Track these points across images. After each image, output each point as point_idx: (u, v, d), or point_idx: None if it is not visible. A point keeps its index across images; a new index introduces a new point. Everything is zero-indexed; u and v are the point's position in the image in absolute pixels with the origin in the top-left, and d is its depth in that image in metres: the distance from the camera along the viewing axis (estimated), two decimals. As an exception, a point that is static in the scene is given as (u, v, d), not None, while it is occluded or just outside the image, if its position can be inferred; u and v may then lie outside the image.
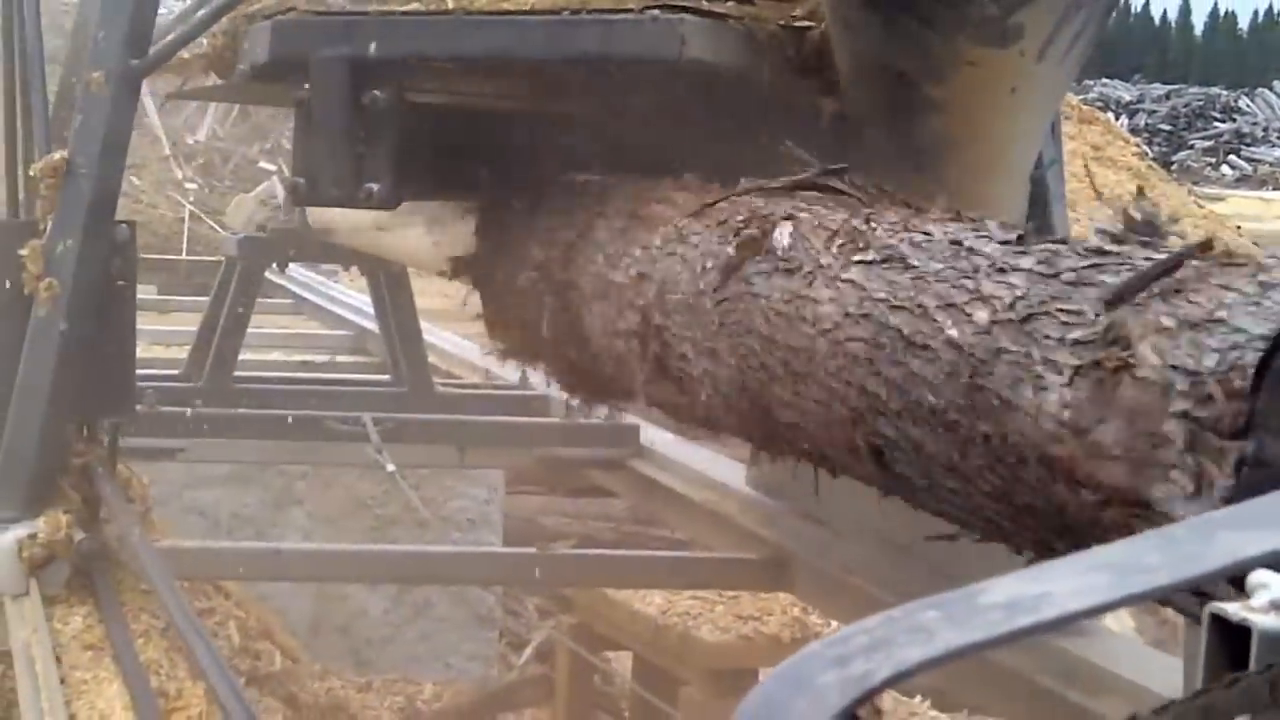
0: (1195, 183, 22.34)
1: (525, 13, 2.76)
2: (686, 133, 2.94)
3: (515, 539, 6.34)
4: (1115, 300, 1.61)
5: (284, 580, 5.24)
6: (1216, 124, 30.07)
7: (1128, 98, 32.09)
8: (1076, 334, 1.64)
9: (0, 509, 3.29)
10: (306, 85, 2.87)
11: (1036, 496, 1.75)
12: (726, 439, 4.05)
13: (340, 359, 6.57)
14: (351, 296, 7.27)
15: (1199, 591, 1.53)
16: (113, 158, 3.21)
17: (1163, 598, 1.25)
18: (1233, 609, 1.22)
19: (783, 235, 2.18)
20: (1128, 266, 1.65)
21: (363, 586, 6.20)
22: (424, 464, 5.34)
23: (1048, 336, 1.69)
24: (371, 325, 6.42)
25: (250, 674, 4.99)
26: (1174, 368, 1.53)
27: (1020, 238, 1.85)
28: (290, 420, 4.77)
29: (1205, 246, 1.61)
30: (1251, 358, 1.49)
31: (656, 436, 4.91)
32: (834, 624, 4.91)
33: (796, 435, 2.23)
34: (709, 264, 2.34)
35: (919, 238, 1.98)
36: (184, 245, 10.72)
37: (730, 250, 2.27)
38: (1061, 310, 1.68)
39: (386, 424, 4.77)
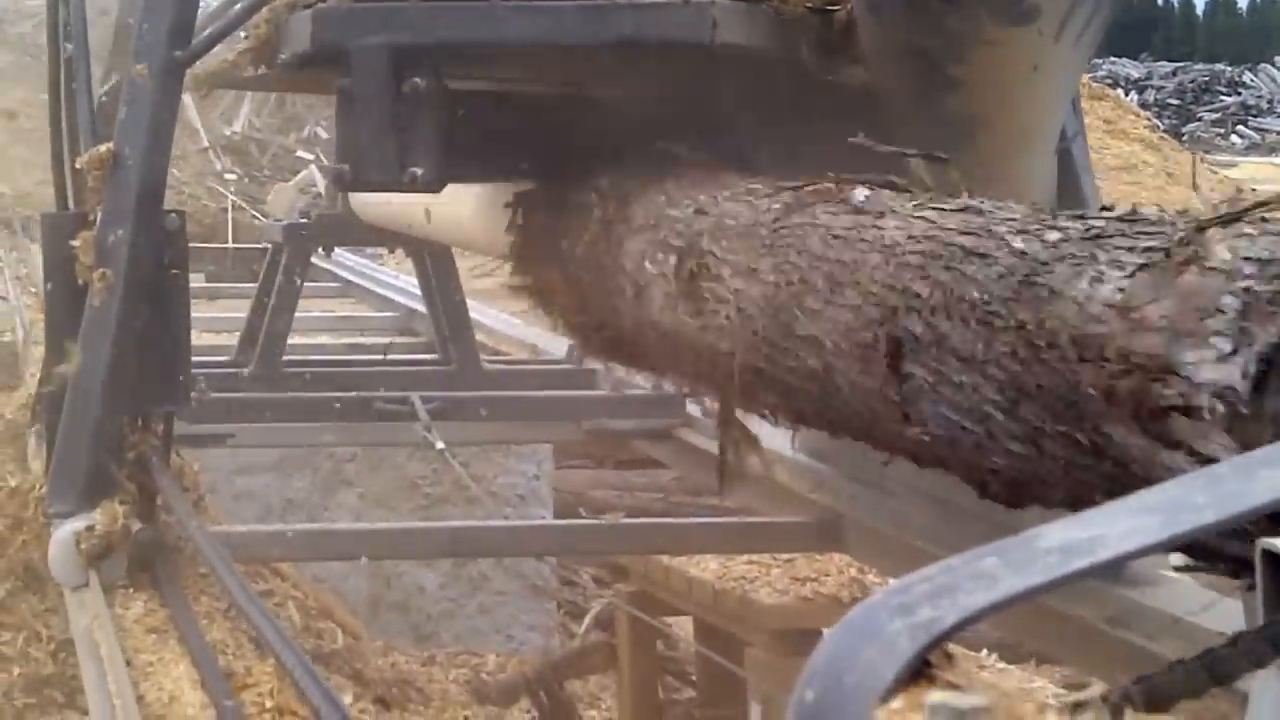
0: (1206, 151, 22.40)
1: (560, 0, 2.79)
2: (718, 114, 2.97)
3: (564, 513, 6.38)
4: (1203, 226, 1.67)
5: (344, 559, 5.28)
6: (1223, 98, 30.09)
7: (1136, 75, 32.12)
8: (1150, 243, 1.72)
9: (57, 502, 3.29)
10: (348, 73, 2.91)
11: (1051, 377, 1.81)
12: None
13: (388, 340, 6.60)
14: (398, 278, 7.30)
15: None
16: (158, 148, 3.23)
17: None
18: None
19: (859, 193, 2.26)
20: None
21: (417, 564, 6.24)
22: (474, 441, 5.37)
23: (1118, 246, 1.77)
24: (418, 306, 6.46)
25: (314, 652, 5.03)
26: (1246, 258, 1.59)
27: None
28: (340, 402, 4.80)
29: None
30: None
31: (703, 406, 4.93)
32: (891, 581, 4.91)
33: (808, 349, 2.28)
34: (773, 205, 2.41)
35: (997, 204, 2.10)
36: (229, 234, 10.81)
37: (802, 195, 2.36)
38: (1140, 231, 1.76)
39: (436, 402, 4.81)
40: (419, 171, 2.90)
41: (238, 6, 3.20)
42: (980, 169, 2.60)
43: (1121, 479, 1.75)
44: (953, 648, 1.21)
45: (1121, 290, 1.72)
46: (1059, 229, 1.93)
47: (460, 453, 5.60)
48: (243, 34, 3.31)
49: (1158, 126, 16.07)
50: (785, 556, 5.10)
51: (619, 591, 5.84)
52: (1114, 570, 1.31)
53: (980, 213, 2.08)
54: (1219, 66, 32.45)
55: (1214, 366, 1.59)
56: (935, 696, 1.10)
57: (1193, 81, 31.13)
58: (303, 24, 2.99)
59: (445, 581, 6.47)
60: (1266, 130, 28.13)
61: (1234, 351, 1.57)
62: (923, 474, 3.47)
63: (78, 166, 3.29)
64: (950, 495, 3.40)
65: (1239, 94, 30.13)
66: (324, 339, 6.38)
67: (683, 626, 5.68)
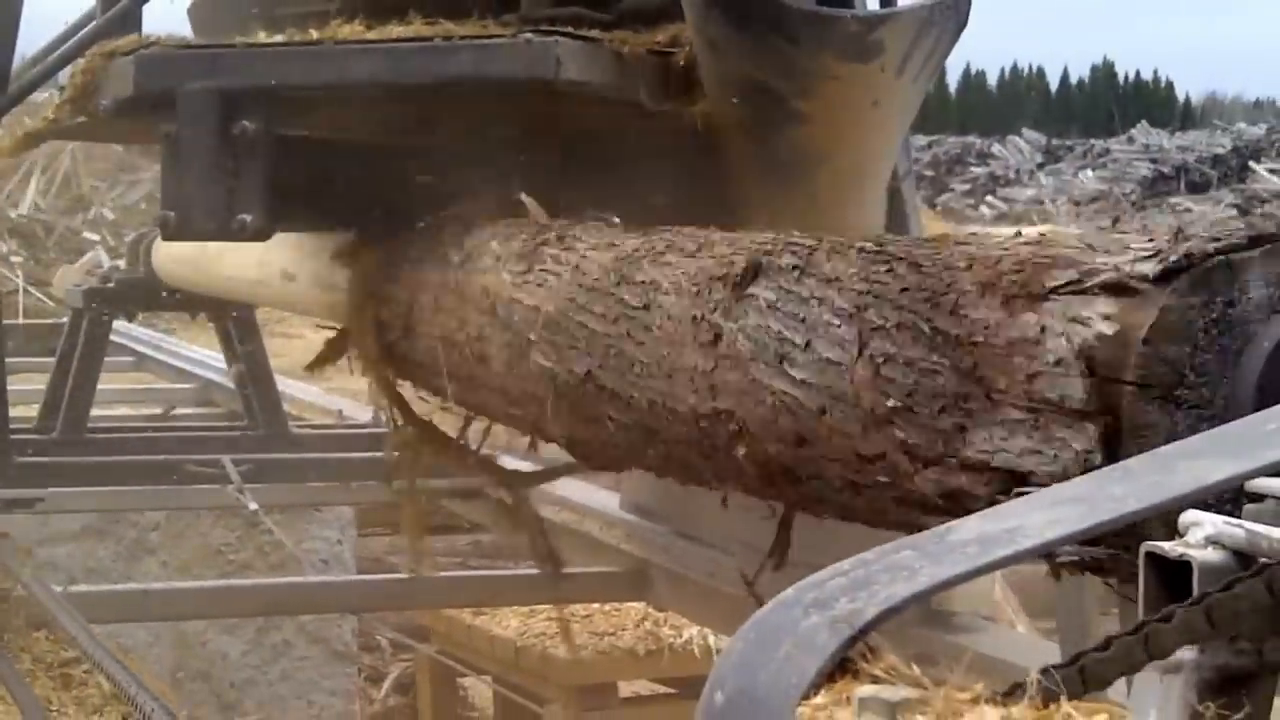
0: (959, 222, 23.04)
1: (396, 41, 2.68)
2: (557, 156, 2.88)
3: (366, 578, 6.19)
4: None
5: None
6: (973, 169, 30.95)
7: (892, 148, 32.98)
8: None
9: None
10: (174, 119, 2.75)
11: (925, 281, 1.67)
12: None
13: (187, 410, 6.37)
14: (192, 350, 7.10)
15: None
16: (-25, 204, 3.03)
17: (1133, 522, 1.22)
18: (1169, 547, 1.20)
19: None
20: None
21: (221, 632, 6.01)
22: (285, 503, 5.18)
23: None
24: (215, 376, 6.25)
25: (123, 720, 4.81)
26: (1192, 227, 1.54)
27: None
28: (150, 466, 4.60)
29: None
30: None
31: (512, 465, 4.82)
32: (690, 633, 4.88)
33: (638, 291, 2.13)
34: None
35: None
36: (20, 314, 10.39)
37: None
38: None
39: (246, 466, 4.62)
40: (248, 219, 2.76)
41: (55, 54, 3.01)
42: (816, 205, 2.56)
43: (944, 368, 1.61)
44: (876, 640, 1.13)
45: (1045, 235, 1.65)
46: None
47: (265, 519, 5.41)
48: (59, 87, 3.12)
49: (914, 198, 16.55)
50: (584, 612, 5.04)
51: (420, 653, 5.70)
52: (1035, 558, 1.23)
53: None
54: (970, 139, 33.33)
55: (1127, 261, 1.50)
56: (865, 689, 1.03)
57: (946, 154, 31.95)
58: (125, 70, 2.83)
59: (248, 649, 6.23)
60: (1013, 200, 28.99)
61: (1155, 255, 1.49)
62: (744, 528, 3.39)
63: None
64: (743, 536, 3.34)
65: (988, 164, 31.03)
66: (123, 410, 6.11)
67: (485, 686, 5.57)
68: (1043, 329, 1.51)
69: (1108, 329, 1.46)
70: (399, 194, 2.93)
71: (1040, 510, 1.21)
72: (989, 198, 29.75)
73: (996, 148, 32.10)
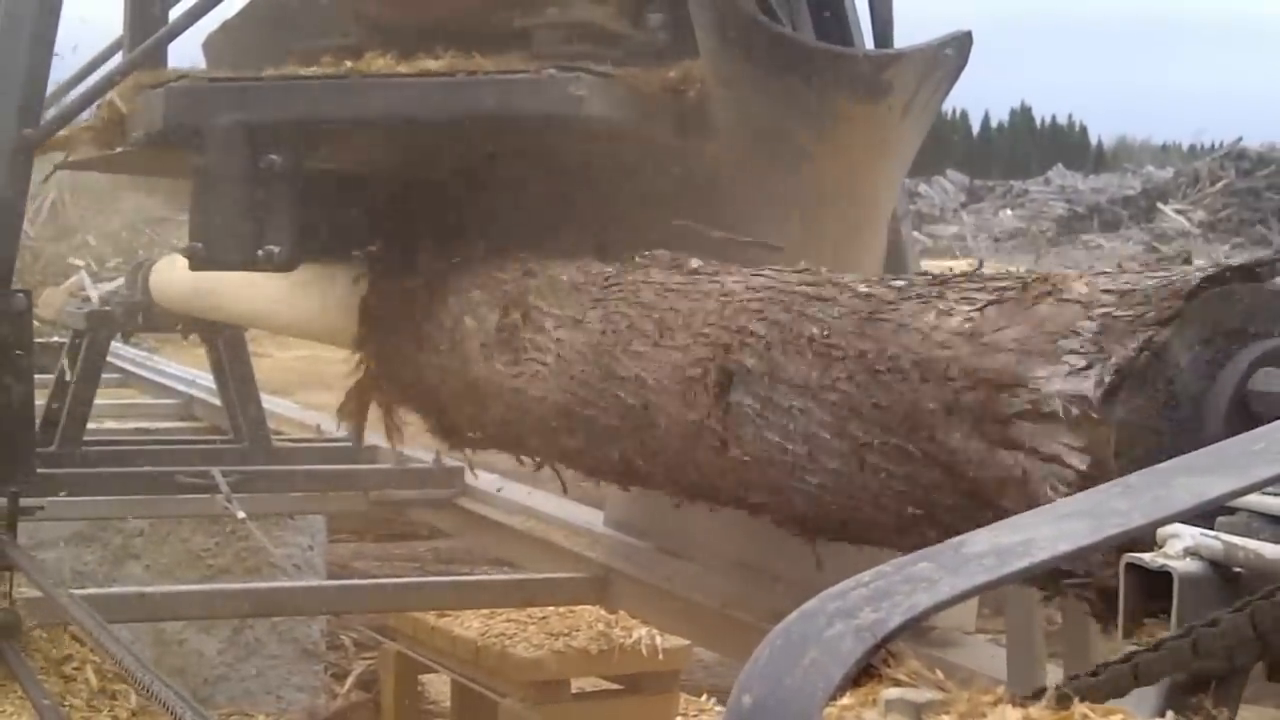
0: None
1: (421, 75, 2.62)
2: (574, 189, 2.82)
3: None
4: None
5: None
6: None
7: (824, 189, 32.87)
8: (1003, 283, 1.67)
9: None
10: (203, 152, 2.70)
11: (890, 396, 1.72)
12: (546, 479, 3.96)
13: (171, 424, 6.30)
14: (175, 368, 7.03)
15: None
16: (7, 226, 2.98)
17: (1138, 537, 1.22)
18: (1150, 558, 1.21)
19: (694, 261, 2.15)
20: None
21: (199, 631, 5.95)
22: (269, 512, 5.14)
23: (967, 285, 1.72)
24: (198, 392, 6.19)
25: (110, 715, 4.74)
26: (1106, 291, 1.56)
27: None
28: (143, 477, 4.55)
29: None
30: (1191, 278, 1.54)
31: (480, 477, 4.81)
32: (639, 633, 4.87)
33: (632, 389, 2.14)
34: (605, 269, 2.30)
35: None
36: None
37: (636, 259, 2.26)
38: (990, 278, 1.71)
39: (233, 476, 4.59)
40: (275, 249, 2.71)
41: (86, 83, 2.96)
42: (822, 245, 2.50)
43: (946, 486, 1.67)
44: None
45: (969, 322, 1.67)
46: (904, 279, 1.88)
47: (239, 527, 5.36)
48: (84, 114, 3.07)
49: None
50: (540, 614, 5.02)
51: (385, 650, 5.65)
52: (1048, 569, 1.23)
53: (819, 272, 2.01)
54: (900, 179, 33.26)
55: (1065, 379, 1.54)
56: (891, 691, 1.02)
57: (875, 192, 31.98)
58: (155, 103, 2.76)
59: (223, 647, 6.17)
60: (938, 236, 29.05)
61: (1088, 366, 1.53)
62: (726, 542, 3.36)
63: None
64: (748, 559, 3.31)
65: (915, 203, 31.01)
66: (110, 424, 6.03)
67: (445, 683, 5.51)
68: (1024, 471, 1.56)
69: (1080, 464, 1.51)
70: (422, 226, 2.88)
71: (1049, 524, 1.19)
72: (915, 234, 29.77)
73: (923, 187, 32.14)
